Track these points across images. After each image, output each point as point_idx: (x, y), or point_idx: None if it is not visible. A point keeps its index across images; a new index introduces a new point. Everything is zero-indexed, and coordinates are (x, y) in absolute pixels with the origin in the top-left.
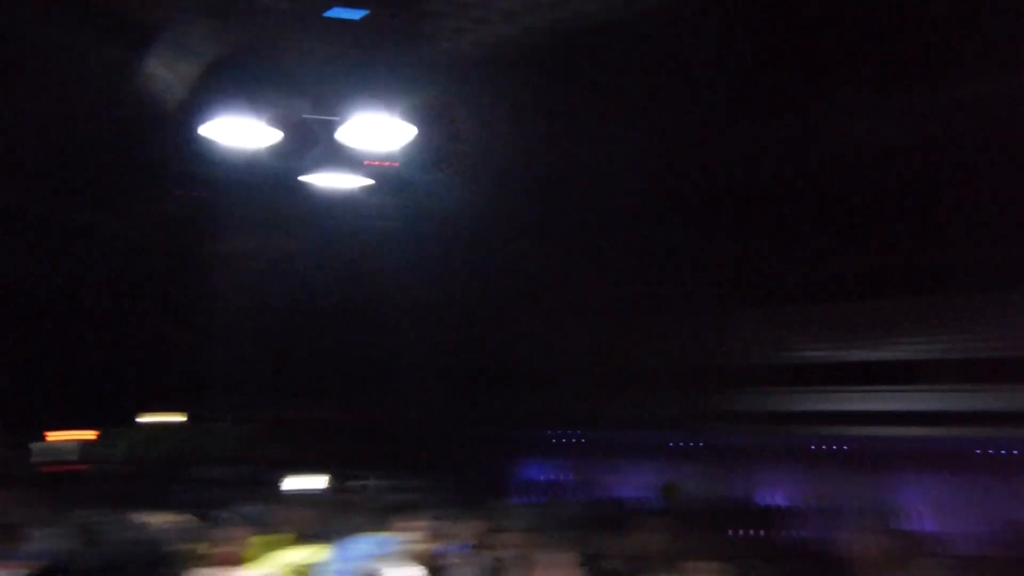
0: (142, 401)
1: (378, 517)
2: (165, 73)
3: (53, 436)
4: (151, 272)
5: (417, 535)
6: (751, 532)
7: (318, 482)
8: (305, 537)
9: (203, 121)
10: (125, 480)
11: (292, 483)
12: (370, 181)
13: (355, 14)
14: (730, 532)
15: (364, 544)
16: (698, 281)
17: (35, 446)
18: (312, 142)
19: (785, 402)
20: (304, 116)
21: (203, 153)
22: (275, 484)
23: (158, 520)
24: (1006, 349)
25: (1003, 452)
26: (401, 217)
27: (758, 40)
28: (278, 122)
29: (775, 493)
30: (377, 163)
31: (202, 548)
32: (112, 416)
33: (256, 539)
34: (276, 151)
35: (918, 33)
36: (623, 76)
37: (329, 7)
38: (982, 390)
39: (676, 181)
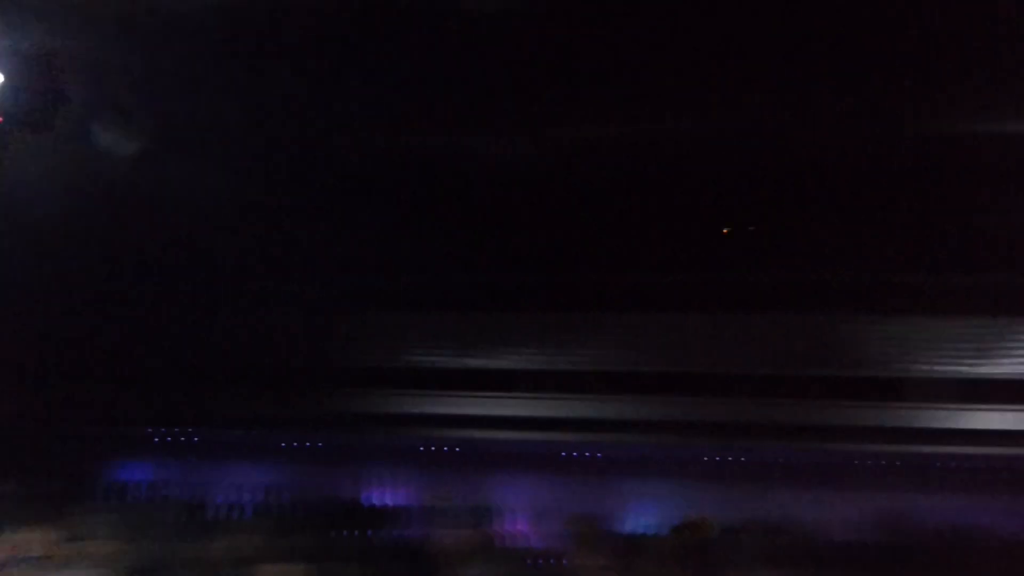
0: None
1: None
2: None
3: None
4: None
5: None
6: (356, 532)
7: None
8: None
9: None
10: None
11: None
12: None
13: None
14: (335, 532)
15: None
16: (323, 281)
17: None
18: None
19: (398, 404)
20: None
21: None
22: None
23: None
24: (596, 364)
25: (587, 455)
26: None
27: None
28: None
29: (384, 493)
30: None
31: None
32: None
33: None
34: None
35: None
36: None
37: None
38: (574, 399)
39: (328, 171)
